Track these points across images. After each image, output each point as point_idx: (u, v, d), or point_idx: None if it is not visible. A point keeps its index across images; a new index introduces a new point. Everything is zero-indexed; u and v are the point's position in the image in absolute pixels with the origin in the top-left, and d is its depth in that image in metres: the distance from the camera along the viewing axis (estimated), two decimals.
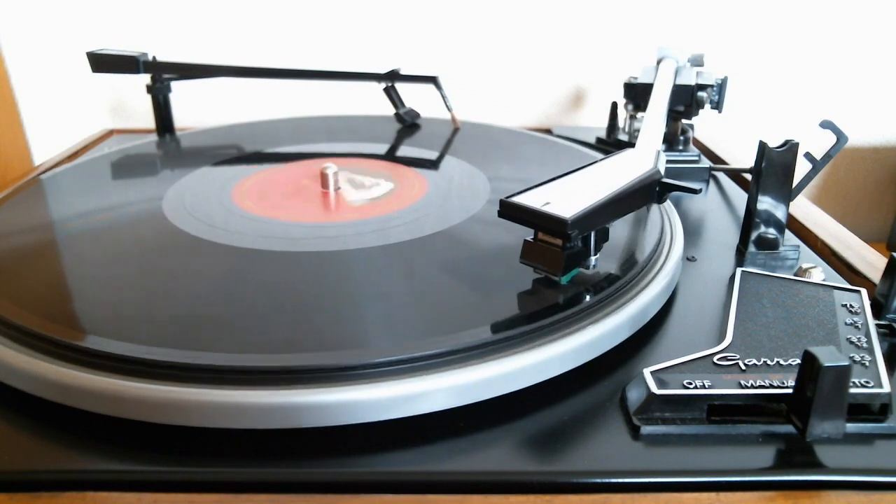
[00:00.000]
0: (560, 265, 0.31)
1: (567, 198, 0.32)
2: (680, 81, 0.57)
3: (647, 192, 0.37)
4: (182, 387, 0.25)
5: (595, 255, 0.34)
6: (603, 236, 0.34)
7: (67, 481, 0.24)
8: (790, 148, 0.39)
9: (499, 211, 0.33)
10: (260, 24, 0.75)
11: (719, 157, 0.63)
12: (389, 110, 0.65)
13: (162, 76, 0.63)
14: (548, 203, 0.32)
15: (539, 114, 0.80)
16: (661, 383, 0.27)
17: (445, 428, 0.26)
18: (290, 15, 0.74)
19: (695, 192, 0.37)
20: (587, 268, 0.34)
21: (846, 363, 0.24)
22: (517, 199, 0.32)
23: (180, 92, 0.66)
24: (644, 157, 0.39)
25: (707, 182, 0.56)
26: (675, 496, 0.24)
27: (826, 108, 0.79)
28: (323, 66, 0.62)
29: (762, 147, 0.39)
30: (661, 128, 0.47)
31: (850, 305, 0.33)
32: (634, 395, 0.27)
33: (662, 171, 0.38)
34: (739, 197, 0.53)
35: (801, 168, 0.41)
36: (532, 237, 0.33)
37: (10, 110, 0.67)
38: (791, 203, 0.41)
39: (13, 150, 0.68)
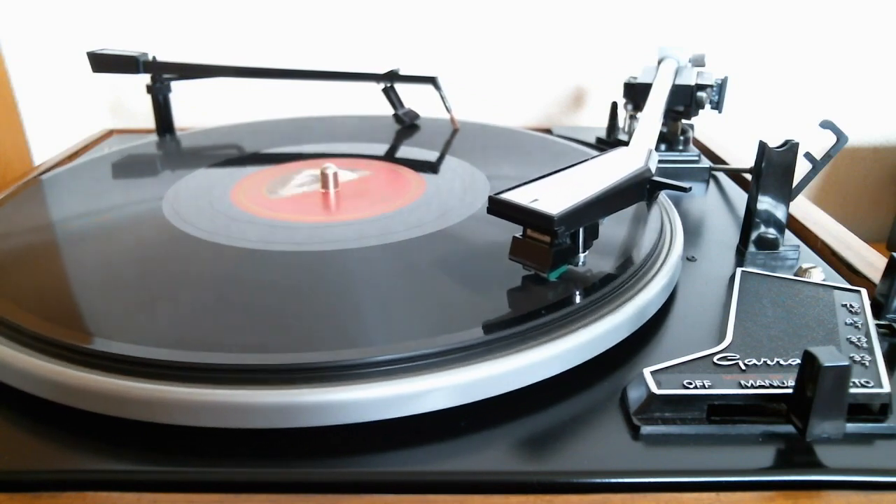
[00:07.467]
0: (548, 262, 0.32)
1: (555, 195, 0.32)
2: (680, 81, 0.56)
3: (638, 191, 0.37)
4: (182, 387, 0.25)
5: (584, 252, 0.34)
6: (592, 233, 0.34)
7: (67, 481, 0.24)
8: (790, 148, 0.39)
9: (487, 207, 0.33)
10: (260, 24, 0.75)
11: (719, 157, 0.63)
12: (389, 111, 0.65)
13: (162, 76, 0.63)
14: (536, 200, 0.32)
15: (539, 114, 0.80)
16: (660, 383, 0.27)
17: (445, 428, 0.26)
18: (290, 15, 0.74)
19: (685, 190, 0.37)
20: (576, 264, 0.34)
21: (846, 363, 0.24)
22: (506, 196, 0.32)
23: (180, 92, 0.66)
24: (636, 156, 0.39)
25: (707, 182, 0.56)
26: (675, 496, 0.24)
27: (826, 108, 0.79)
28: (322, 67, 0.62)
29: (762, 147, 0.39)
30: (656, 127, 0.47)
31: (850, 305, 0.33)
32: (634, 395, 0.27)
33: (654, 170, 0.38)
34: (739, 197, 0.53)
35: (801, 168, 0.41)
36: (521, 234, 0.33)
37: (10, 110, 0.67)
38: (791, 203, 0.41)
39: (13, 150, 0.68)
